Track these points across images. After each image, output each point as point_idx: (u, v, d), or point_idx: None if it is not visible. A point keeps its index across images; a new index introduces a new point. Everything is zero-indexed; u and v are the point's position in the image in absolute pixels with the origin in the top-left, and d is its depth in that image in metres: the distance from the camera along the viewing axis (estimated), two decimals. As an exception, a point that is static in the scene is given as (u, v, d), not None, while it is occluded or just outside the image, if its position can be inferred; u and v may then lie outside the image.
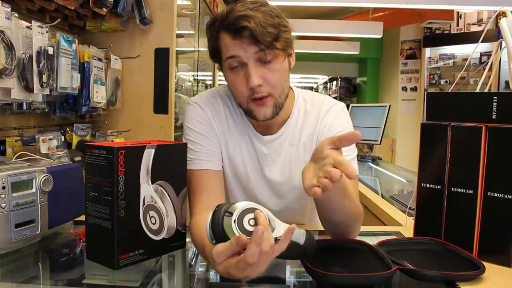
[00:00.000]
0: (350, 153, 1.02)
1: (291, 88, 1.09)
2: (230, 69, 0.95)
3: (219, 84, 3.16)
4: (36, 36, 1.24)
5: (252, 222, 0.65)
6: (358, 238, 0.96)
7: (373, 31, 4.87)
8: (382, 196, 1.89)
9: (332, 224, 0.93)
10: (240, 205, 0.66)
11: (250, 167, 1.09)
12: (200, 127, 1.05)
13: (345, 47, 6.01)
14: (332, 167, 0.67)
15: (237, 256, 0.63)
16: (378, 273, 0.75)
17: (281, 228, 0.66)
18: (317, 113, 1.08)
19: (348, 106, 3.63)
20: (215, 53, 0.98)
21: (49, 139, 1.40)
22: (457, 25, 5.74)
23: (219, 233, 0.66)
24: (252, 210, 0.66)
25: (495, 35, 4.53)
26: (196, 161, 1.01)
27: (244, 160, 1.08)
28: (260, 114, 0.97)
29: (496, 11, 2.05)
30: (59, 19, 1.43)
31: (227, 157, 1.08)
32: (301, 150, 1.08)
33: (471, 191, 0.92)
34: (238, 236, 0.62)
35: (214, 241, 0.67)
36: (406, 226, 1.23)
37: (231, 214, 0.65)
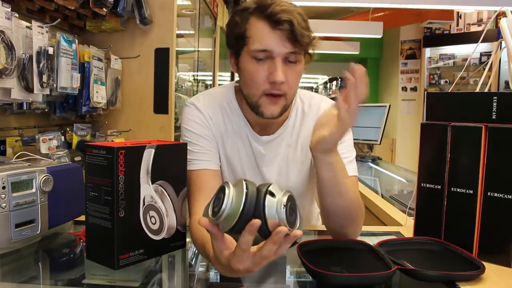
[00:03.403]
0: (349, 155, 1.02)
1: None
2: (253, 59, 0.93)
3: (219, 85, 3.16)
4: (36, 36, 1.24)
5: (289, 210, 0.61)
6: (358, 238, 0.96)
7: (373, 31, 4.87)
8: (382, 196, 1.89)
9: (335, 214, 0.91)
10: (278, 188, 0.62)
11: (248, 167, 1.09)
12: (197, 128, 1.05)
13: (345, 47, 6.01)
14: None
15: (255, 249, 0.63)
16: (378, 273, 0.75)
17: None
18: (314, 115, 1.07)
19: (348, 106, 3.63)
20: (239, 39, 0.94)
21: (49, 139, 1.40)
22: (457, 25, 5.74)
23: (252, 213, 0.59)
24: (292, 198, 0.62)
25: (495, 35, 4.54)
26: (195, 161, 1.01)
27: (241, 159, 1.08)
28: (268, 112, 0.96)
29: (496, 11, 2.05)
30: (59, 19, 1.43)
31: (224, 157, 1.08)
32: (298, 152, 1.08)
33: (471, 191, 0.92)
34: (282, 229, 0.58)
35: (235, 221, 0.59)
36: (406, 226, 1.23)
37: (273, 195, 0.60)
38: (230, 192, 0.61)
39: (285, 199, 0.61)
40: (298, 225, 0.63)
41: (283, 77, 0.91)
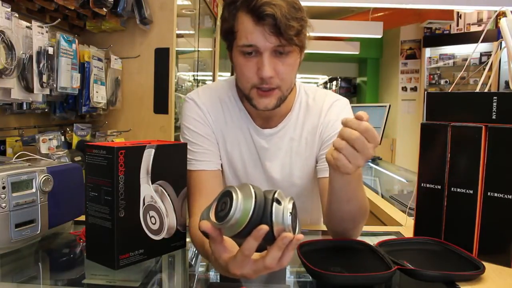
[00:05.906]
0: None
1: None
2: (242, 53, 0.92)
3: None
4: (36, 36, 1.24)
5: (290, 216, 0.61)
6: (358, 238, 0.96)
7: (373, 31, 4.87)
8: (382, 196, 1.89)
9: (340, 219, 0.89)
10: (283, 194, 0.61)
11: (249, 162, 1.07)
12: (196, 126, 1.04)
13: (345, 47, 6.02)
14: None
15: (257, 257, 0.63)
16: (378, 273, 0.75)
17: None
18: (319, 108, 1.06)
19: (348, 106, 3.63)
20: (229, 33, 0.94)
21: (49, 139, 1.40)
22: (457, 25, 5.74)
23: (259, 220, 0.58)
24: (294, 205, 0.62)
25: (495, 35, 4.54)
26: (194, 161, 1.00)
27: (242, 154, 1.06)
28: (261, 105, 0.95)
29: (496, 11, 2.05)
30: (59, 19, 1.43)
31: (225, 153, 1.07)
32: (302, 145, 1.06)
33: (471, 191, 0.92)
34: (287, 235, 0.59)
35: (242, 227, 0.58)
36: (406, 226, 1.23)
37: (279, 202, 0.60)
38: (238, 197, 0.59)
39: (290, 206, 0.61)
40: (298, 230, 0.63)
41: (271, 72, 0.90)
